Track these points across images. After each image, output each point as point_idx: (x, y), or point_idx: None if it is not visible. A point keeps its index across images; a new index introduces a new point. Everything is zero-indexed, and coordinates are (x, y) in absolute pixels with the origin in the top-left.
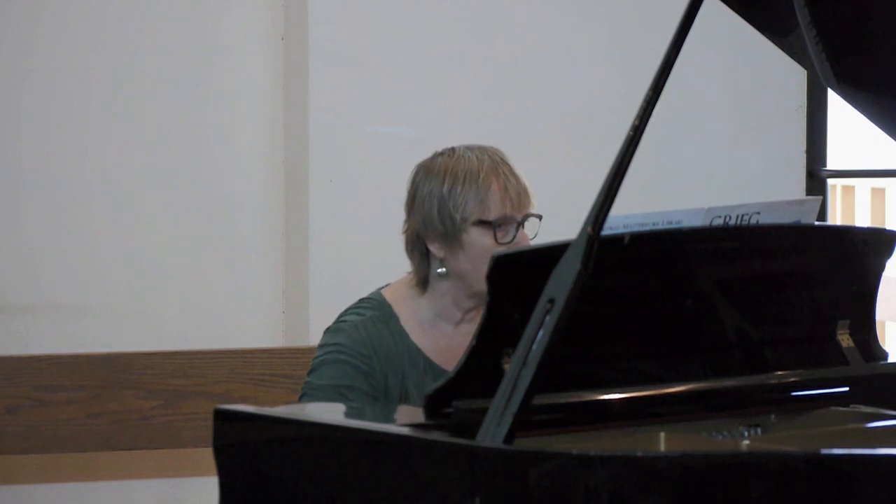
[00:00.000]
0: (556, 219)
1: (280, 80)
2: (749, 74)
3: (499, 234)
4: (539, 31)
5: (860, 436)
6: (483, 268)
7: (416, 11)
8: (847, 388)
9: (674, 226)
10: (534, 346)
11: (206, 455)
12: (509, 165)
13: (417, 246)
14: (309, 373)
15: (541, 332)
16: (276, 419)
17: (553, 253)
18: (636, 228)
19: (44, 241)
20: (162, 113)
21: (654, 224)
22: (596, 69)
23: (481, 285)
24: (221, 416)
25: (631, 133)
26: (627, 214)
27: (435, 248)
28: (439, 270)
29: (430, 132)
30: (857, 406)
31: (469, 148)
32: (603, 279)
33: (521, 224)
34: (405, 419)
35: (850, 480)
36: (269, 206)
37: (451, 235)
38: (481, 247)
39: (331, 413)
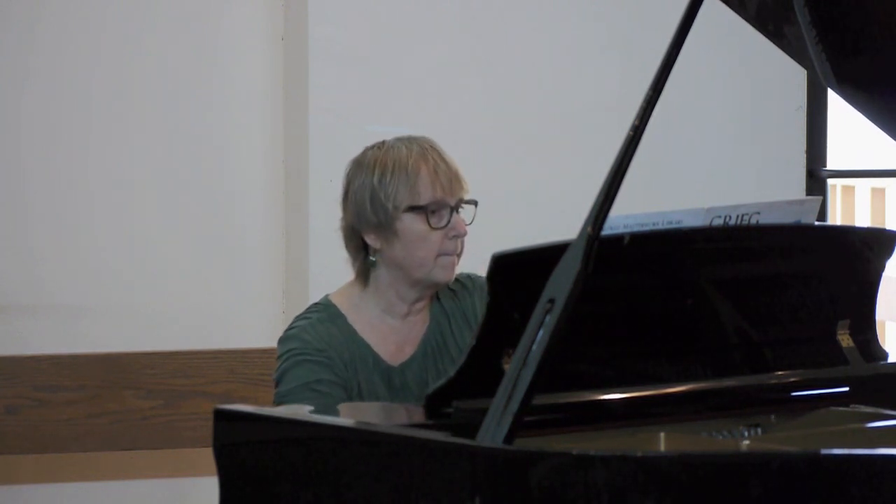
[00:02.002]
0: (556, 218)
1: (280, 80)
2: (749, 74)
3: (432, 220)
4: (539, 31)
5: (860, 436)
6: (418, 254)
7: (416, 11)
8: (847, 388)
9: (674, 226)
10: (534, 346)
11: (206, 455)
12: (438, 151)
13: (353, 239)
14: (276, 385)
15: (541, 332)
16: (276, 419)
17: (553, 253)
18: (636, 228)
19: (45, 242)
20: (162, 113)
21: (654, 224)
22: (596, 69)
23: (419, 272)
24: (221, 416)
25: (631, 133)
26: (627, 214)
27: (371, 240)
28: (371, 259)
29: (430, 132)
30: (857, 406)
31: (399, 139)
32: (603, 279)
33: (454, 209)
34: (405, 419)
35: (850, 480)
36: (269, 206)
37: (385, 225)
38: (415, 233)
39: (330, 413)
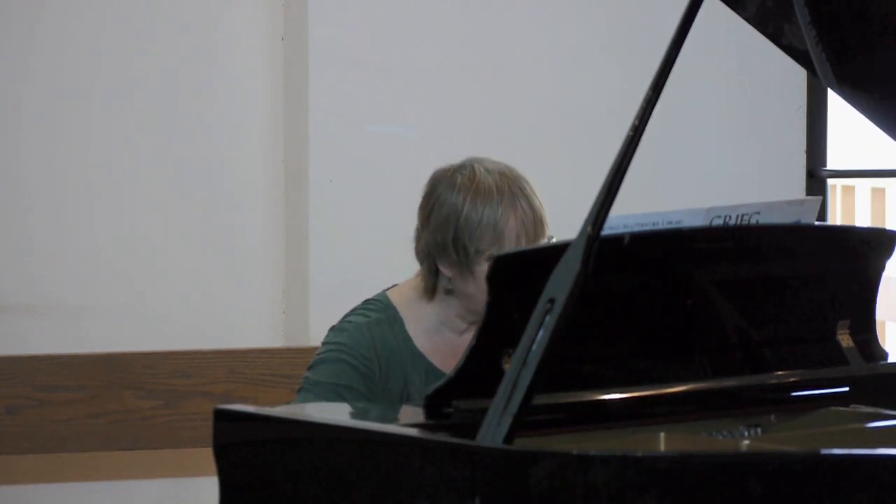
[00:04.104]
0: (556, 219)
1: (280, 80)
2: (749, 74)
3: None
4: (539, 31)
5: (860, 436)
6: None
7: (417, 12)
8: (847, 388)
9: (674, 226)
10: (534, 346)
11: (206, 455)
12: (527, 197)
13: (428, 261)
14: (309, 368)
15: (541, 332)
16: (276, 419)
17: (553, 253)
18: (636, 228)
19: (44, 241)
20: (162, 113)
21: (654, 224)
22: (596, 69)
23: None
24: (221, 416)
25: (631, 133)
26: (627, 214)
27: (445, 269)
28: (447, 288)
29: (430, 132)
30: (857, 406)
31: (488, 170)
32: (603, 279)
33: None
34: (405, 419)
35: (850, 480)
36: (269, 206)
37: (464, 264)
38: None
39: (331, 413)
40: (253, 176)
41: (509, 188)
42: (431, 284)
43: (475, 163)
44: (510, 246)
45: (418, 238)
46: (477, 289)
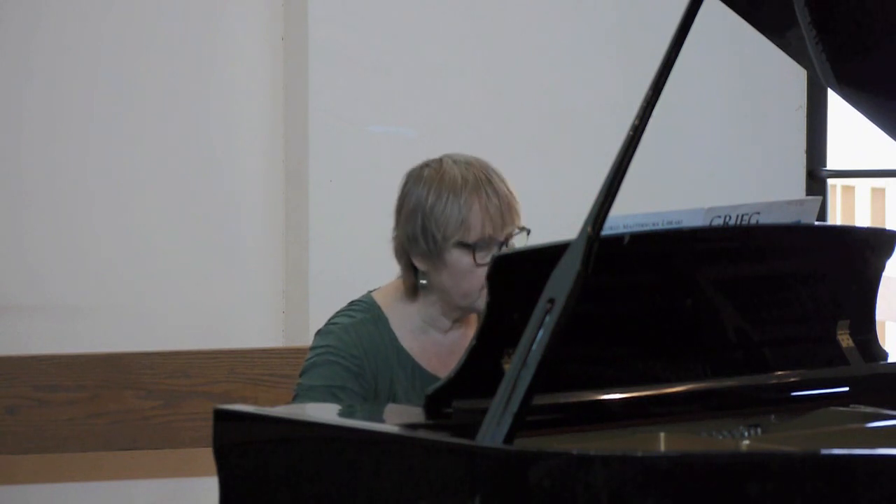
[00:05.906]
0: (556, 219)
1: (280, 80)
2: (749, 74)
3: (478, 256)
4: (539, 31)
5: (860, 436)
6: (463, 286)
7: (416, 12)
8: (847, 388)
9: (674, 226)
10: (534, 346)
11: (206, 455)
12: (493, 184)
13: (404, 257)
14: (301, 374)
15: (541, 332)
16: (276, 419)
17: (553, 253)
18: (636, 228)
19: (44, 242)
20: (162, 113)
21: (654, 224)
22: (596, 69)
23: (463, 301)
24: (221, 416)
25: (631, 133)
26: (627, 214)
27: (418, 262)
28: (421, 282)
29: (430, 132)
30: (857, 406)
31: (456, 161)
32: (603, 279)
33: (503, 244)
34: (405, 419)
35: (850, 480)
36: (269, 206)
37: (434, 254)
38: (462, 267)
39: (331, 413)
40: (253, 176)
41: (475, 176)
42: (412, 282)
43: (445, 157)
44: (476, 232)
45: (394, 237)
46: (450, 279)
